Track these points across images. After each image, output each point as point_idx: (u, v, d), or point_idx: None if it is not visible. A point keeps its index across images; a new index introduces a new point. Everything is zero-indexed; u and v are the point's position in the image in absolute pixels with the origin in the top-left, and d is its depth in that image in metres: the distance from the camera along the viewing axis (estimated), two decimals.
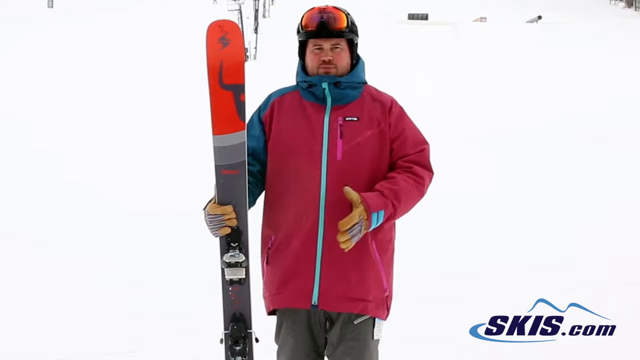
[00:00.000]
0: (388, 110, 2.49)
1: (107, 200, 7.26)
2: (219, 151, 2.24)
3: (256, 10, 27.90)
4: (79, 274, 5.13)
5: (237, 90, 2.21)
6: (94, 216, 6.72)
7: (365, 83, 2.55)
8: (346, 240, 2.25)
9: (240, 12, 24.39)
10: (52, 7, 38.43)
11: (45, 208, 6.98)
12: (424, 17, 41.81)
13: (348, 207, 2.34)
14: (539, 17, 39.62)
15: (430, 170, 2.48)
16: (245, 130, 2.25)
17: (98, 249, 5.77)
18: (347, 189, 2.30)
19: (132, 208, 6.94)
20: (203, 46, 2.18)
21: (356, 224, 2.26)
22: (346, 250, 2.29)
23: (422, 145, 2.49)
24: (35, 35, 25.77)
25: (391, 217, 2.35)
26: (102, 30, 28.17)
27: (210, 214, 2.28)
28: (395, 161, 2.46)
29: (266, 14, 36.87)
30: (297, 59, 2.57)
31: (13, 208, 6.99)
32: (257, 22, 26.94)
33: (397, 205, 2.34)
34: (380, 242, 2.46)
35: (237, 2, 24.69)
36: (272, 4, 41.72)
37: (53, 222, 6.51)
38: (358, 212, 2.26)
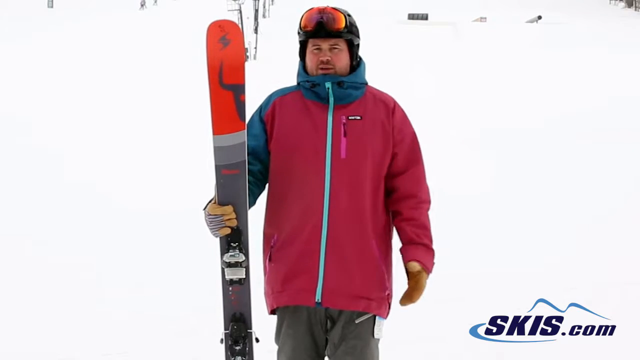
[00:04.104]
0: (392, 112, 2.50)
1: (107, 200, 7.25)
2: (219, 151, 2.24)
3: (256, 10, 27.89)
4: (79, 274, 5.12)
5: (237, 90, 2.21)
6: (94, 216, 6.71)
7: (366, 84, 2.55)
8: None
9: (240, 12, 24.39)
10: (52, 7, 38.47)
11: (45, 208, 6.97)
12: (424, 17, 41.88)
13: (352, 205, 2.39)
14: (539, 17, 39.70)
15: (427, 186, 2.56)
16: (246, 130, 2.25)
17: (98, 249, 5.76)
18: (411, 265, 2.47)
19: (131, 208, 6.93)
20: (203, 46, 2.18)
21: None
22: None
23: (419, 160, 2.54)
24: (35, 35, 25.76)
25: None
26: (102, 30, 28.16)
27: (211, 215, 2.28)
28: (395, 175, 2.48)
29: (266, 14, 36.88)
30: (297, 59, 2.57)
31: (13, 208, 6.98)
32: (257, 22, 26.94)
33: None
34: (381, 241, 2.48)
35: (237, 2, 24.68)
36: (272, 4, 41.76)
37: (53, 222, 6.50)
38: (424, 280, 2.49)
